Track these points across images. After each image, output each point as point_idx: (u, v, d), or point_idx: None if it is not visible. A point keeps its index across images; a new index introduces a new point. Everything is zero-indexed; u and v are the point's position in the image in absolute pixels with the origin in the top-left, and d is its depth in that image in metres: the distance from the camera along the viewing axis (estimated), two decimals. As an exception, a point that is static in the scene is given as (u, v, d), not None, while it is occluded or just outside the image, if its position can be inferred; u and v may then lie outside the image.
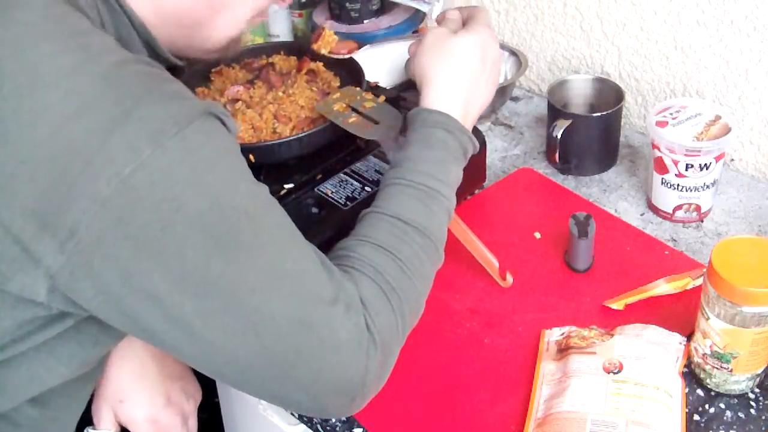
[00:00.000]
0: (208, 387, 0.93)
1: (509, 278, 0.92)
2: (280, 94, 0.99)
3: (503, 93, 1.23)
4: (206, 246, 0.59)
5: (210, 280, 0.60)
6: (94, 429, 0.83)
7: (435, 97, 0.81)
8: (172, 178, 0.58)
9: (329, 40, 1.01)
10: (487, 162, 1.06)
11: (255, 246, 0.62)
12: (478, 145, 0.83)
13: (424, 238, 0.73)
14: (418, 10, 1.30)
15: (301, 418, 0.83)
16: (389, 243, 0.71)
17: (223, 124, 0.64)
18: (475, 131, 1.02)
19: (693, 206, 1.00)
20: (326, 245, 0.73)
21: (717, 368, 0.77)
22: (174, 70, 0.73)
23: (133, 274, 0.58)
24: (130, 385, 0.83)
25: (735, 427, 0.76)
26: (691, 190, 0.98)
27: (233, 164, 0.64)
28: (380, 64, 1.17)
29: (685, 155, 0.95)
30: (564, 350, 0.81)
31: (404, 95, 1.02)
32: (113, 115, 0.57)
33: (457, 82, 0.82)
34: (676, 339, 0.82)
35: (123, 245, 0.58)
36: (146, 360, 0.84)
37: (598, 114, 1.07)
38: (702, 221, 1.02)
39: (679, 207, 1.00)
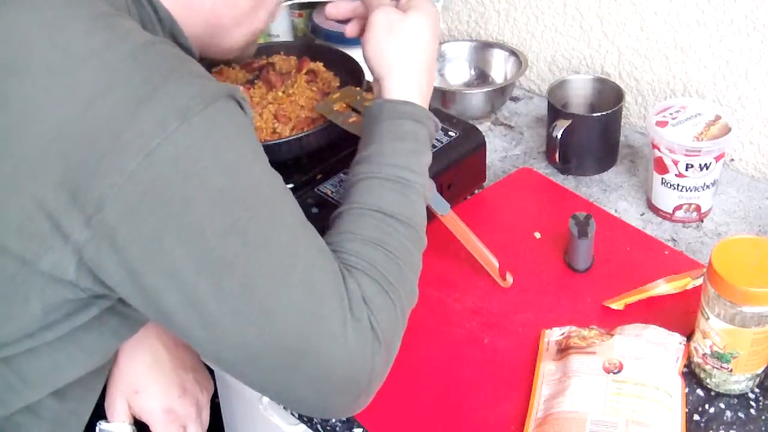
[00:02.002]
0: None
1: (509, 278, 0.92)
2: (280, 94, 0.99)
3: (503, 93, 1.23)
4: (224, 225, 0.60)
5: (226, 261, 0.60)
6: (108, 422, 0.83)
7: (398, 87, 0.80)
8: (195, 153, 0.60)
9: None
10: (487, 162, 1.06)
11: (270, 230, 0.63)
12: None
13: (408, 228, 0.73)
14: (418, 10, 1.30)
15: (301, 417, 0.83)
16: (377, 237, 0.71)
17: (242, 108, 0.65)
18: (475, 131, 1.02)
19: (693, 206, 1.00)
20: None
21: (717, 368, 0.77)
22: None
23: (155, 250, 0.60)
24: (144, 376, 0.83)
25: (735, 427, 0.76)
26: (691, 190, 0.98)
27: (252, 146, 0.65)
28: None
29: (685, 155, 0.95)
30: (564, 350, 0.81)
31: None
32: (142, 92, 0.59)
33: (415, 67, 0.80)
34: (676, 339, 0.82)
35: (146, 220, 0.59)
36: (159, 351, 0.85)
37: (598, 114, 1.07)
38: (702, 221, 1.02)
39: (679, 207, 1.00)
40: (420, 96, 0.80)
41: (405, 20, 0.80)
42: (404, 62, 0.80)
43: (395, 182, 0.74)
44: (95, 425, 0.82)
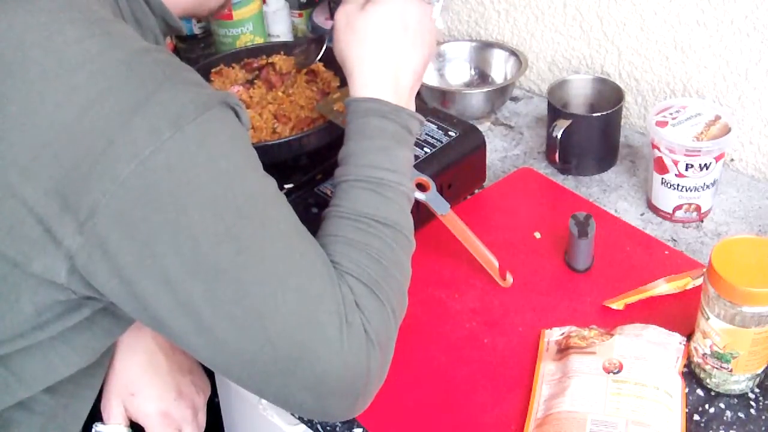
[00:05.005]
0: (208, 387, 0.93)
1: (509, 278, 0.92)
2: (280, 94, 0.99)
3: (503, 93, 1.23)
4: (218, 232, 0.60)
5: (220, 268, 0.60)
6: (104, 424, 0.83)
7: (361, 84, 0.78)
8: (188, 161, 0.59)
9: None
10: (487, 162, 1.06)
11: (264, 237, 0.63)
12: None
13: (388, 228, 0.72)
14: (418, 10, 1.30)
15: (300, 418, 0.83)
16: (359, 239, 0.71)
17: (237, 115, 0.65)
18: (475, 131, 1.02)
19: (693, 206, 1.00)
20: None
21: (717, 368, 0.77)
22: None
23: (148, 257, 0.59)
24: (140, 379, 0.83)
25: (735, 427, 0.76)
26: (691, 190, 0.98)
27: (246, 154, 0.65)
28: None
29: (685, 155, 0.95)
30: (564, 350, 0.81)
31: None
32: (136, 99, 0.59)
33: (378, 61, 0.78)
34: (676, 339, 0.82)
35: (139, 227, 0.59)
36: (156, 353, 0.84)
37: (598, 114, 1.07)
38: (702, 221, 1.02)
39: (679, 207, 1.00)
40: (387, 90, 0.78)
41: (362, 16, 0.79)
42: (366, 58, 0.78)
43: (367, 182, 0.74)
44: (92, 427, 0.82)
